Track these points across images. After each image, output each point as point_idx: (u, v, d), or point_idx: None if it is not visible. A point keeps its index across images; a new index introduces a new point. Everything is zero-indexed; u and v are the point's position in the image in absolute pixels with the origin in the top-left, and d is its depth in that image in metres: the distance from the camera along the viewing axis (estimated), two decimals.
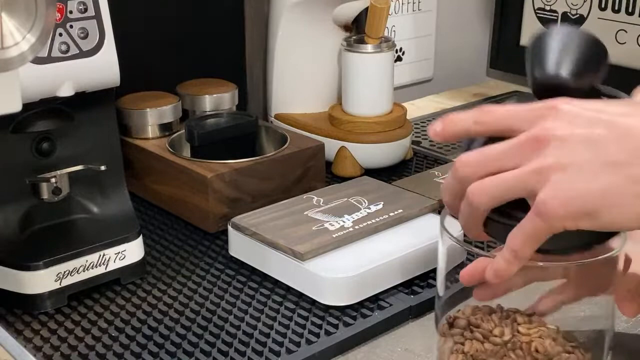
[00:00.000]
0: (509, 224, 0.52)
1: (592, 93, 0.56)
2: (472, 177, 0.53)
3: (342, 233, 0.78)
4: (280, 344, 0.69)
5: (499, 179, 0.51)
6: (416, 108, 1.35)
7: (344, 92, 1.07)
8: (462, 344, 0.58)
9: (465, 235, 0.58)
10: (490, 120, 0.54)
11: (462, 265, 0.61)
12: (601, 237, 0.53)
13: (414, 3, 1.38)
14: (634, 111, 0.51)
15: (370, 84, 1.05)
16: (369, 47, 1.03)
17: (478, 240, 0.57)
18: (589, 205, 0.49)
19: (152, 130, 0.97)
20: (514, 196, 0.51)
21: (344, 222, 0.81)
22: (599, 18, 1.35)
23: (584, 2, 1.36)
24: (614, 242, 0.56)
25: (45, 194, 0.77)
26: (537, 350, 0.57)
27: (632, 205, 0.49)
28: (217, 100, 1.02)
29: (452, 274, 0.61)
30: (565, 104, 0.52)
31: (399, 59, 1.39)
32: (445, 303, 0.61)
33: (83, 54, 0.73)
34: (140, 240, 0.79)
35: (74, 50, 0.73)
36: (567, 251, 0.54)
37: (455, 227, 0.58)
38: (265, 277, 0.79)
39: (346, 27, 1.09)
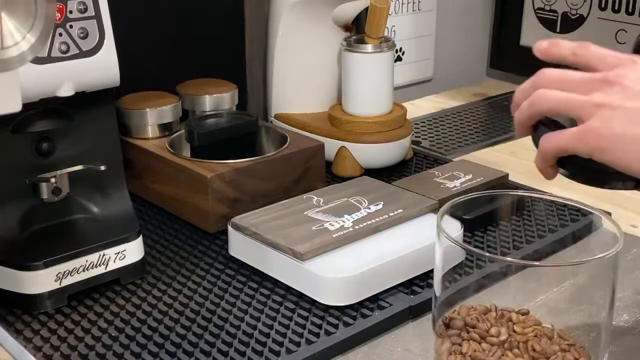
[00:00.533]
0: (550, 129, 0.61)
1: None
2: (546, 87, 0.61)
3: (342, 233, 0.78)
4: (280, 344, 0.69)
5: (565, 95, 0.60)
6: (416, 108, 1.35)
7: (344, 92, 1.07)
8: (460, 344, 0.58)
9: (464, 237, 0.58)
10: (585, 54, 0.63)
11: (460, 266, 0.62)
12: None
13: (414, 3, 1.38)
14: None
15: (370, 84, 1.05)
16: (369, 47, 1.04)
17: (522, 134, 0.65)
18: (616, 148, 0.57)
19: (152, 130, 0.97)
20: (569, 114, 0.60)
21: (344, 222, 0.81)
22: (599, 18, 1.35)
23: (584, 2, 1.36)
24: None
25: (45, 194, 0.77)
26: (534, 349, 0.57)
27: None
28: (217, 100, 1.02)
29: (450, 274, 0.61)
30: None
31: (399, 59, 1.39)
32: (443, 304, 0.61)
33: (83, 54, 0.73)
34: (140, 240, 0.79)
35: (74, 50, 0.73)
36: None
37: (452, 227, 0.58)
38: (265, 277, 0.79)
39: (346, 27, 1.09)
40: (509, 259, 0.58)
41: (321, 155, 0.96)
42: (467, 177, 0.95)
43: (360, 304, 0.74)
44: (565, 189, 0.80)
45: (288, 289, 0.77)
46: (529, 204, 0.93)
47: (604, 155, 0.57)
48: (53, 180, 0.77)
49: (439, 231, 0.59)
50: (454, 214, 0.63)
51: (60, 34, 0.72)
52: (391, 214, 0.82)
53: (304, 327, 0.71)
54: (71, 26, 0.72)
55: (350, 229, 0.79)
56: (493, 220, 0.90)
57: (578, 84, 0.60)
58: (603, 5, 1.34)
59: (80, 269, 0.75)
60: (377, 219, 0.81)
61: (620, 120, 0.57)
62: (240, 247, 0.81)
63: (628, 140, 0.56)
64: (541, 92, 0.61)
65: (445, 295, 0.61)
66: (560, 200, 0.69)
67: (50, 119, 0.76)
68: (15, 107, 0.59)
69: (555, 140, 0.60)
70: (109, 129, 0.81)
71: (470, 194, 0.66)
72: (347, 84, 1.06)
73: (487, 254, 0.59)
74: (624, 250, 0.69)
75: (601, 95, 0.58)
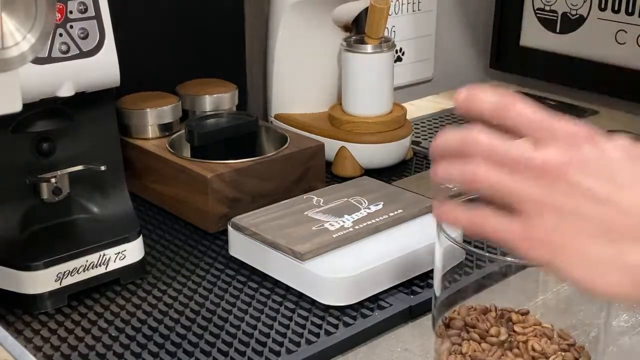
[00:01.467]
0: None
1: None
2: (478, 153, 0.51)
3: (342, 233, 0.78)
4: (280, 344, 0.69)
5: (500, 182, 0.50)
6: (416, 108, 1.35)
7: (344, 92, 1.07)
8: (460, 344, 0.58)
9: (464, 236, 0.58)
10: (509, 118, 0.51)
11: (460, 266, 0.62)
12: None
13: (414, 3, 1.38)
14: None
15: (370, 84, 1.05)
16: (369, 48, 1.04)
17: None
18: (556, 259, 0.48)
19: (152, 130, 0.97)
20: (504, 200, 0.50)
21: (344, 222, 0.81)
22: (598, 18, 1.34)
23: (584, 2, 1.36)
24: None
25: (45, 194, 0.77)
26: (533, 349, 0.57)
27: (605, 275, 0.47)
28: (217, 100, 1.02)
29: (450, 274, 0.61)
30: (593, 146, 0.49)
31: (399, 59, 1.39)
32: (443, 304, 0.61)
33: (83, 54, 0.73)
34: (140, 240, 0.79)
35: (74, 51, 0.73)
36: None
37: (453, 228, 0.58)
38: (265, 277, 0.79)
39: (346, 27, 1.09)
40: (509, 258, 0.58)
41: (321, 156, 0.96)
42: None
43: (360, 304, 0.74)
44: None
45: (288, 289, 0.77)
46: None
47: (558, 270, 0.48)
48: (53, 180, 0.77)
49: (439, 231, 0.59)
50: None
51: (61, 34, 0.72)
52: (391, 214, 0.82)
53: (304, 327, 0.71)
54: (71, 26, 0.72)
55: (350, 229, 0.79)
56: None
57: (513, 165, 0.49)
58: (603, 6, 1.34)
59: (81, 269, 0.75)
60: (377, 219, 0.81)
61: (576, 229, 0.47)
62: (240, 247, 0.81)
63: (589, 259, 0.47)
64: (473, 172, 0.50)
65: (445, 295, 0.61)
66: None
67: (51, 119, 0.76)
68: (16, 107, 0.59)
69: (491, 227, 0.51)
70: (109, 129, 0.81)
71: (470, 194, 0.66)
72: (347, 85, 1.06)
73: (487, 254, 0.59)
74: None
75: (545, 192, 0.48)
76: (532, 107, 0.51)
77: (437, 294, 0.61)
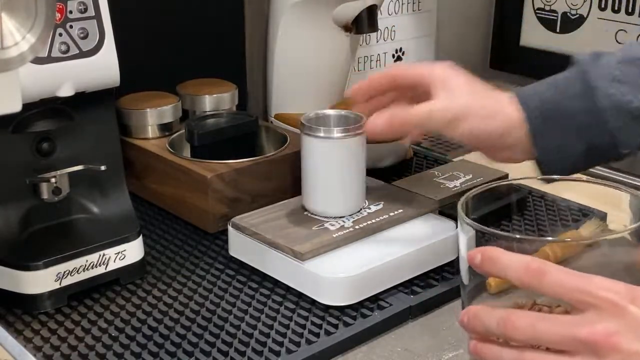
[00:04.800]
0: None
1: None
2: (519, 341, 0.50)
3: (342, 233, 0.78)
4: (280, 344, 0.69)
5: None
6: None
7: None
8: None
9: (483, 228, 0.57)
10: (547, 286, 0.50)
11: None
12: None
13: (414, 3, 1.38)
14: None
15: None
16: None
17: None
18: None
19: (152, 130, 0.97)
20: None
21: (344, 222, 0.81)
22: (598, 18, 1.35)
23: (584, 2, 1.36)
24: None
25: (45, 194, 0.77)
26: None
27: None
28: (217, 100, 1.02)
29: None
30: (632, 306, 0.48)
31: (399, 59, 1.39)
32: (471, 291, 0.60)
33: (83, 54, 0.73)
34: (140, 240, 0.79)
35: (74, 51, 0.73)
36: None
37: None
38: (265, 277, 0.79)
39: (346, 27, 1.09)
40: (541, 238, 0.56)
41: None
42: (467, 177, 0.95)
43: (360, 304, 0.74)
44: (566, 190, 0.80)
45: (288, 289, 0.77)
46: (529, 203, 0.93)
47: None
48: (53, 180, 0.77)
49: (461, 221, 0.59)
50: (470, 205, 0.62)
51: (60, 34, 0.72)
52: (391, 214, 0.82)
53: (304, 327, 0.71)
54: (71, 26, 0.72)
55: (350, 229, 0.79)
56: (492, 220, 0.90)
57: (559, 344, 0.48)
58: (603, 5, 1.34)
59: (80, 269, 0.75)
60: (377, 219, 0.81)
61: None
62: (240, 247, 0.81)
63: None
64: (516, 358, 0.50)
65: (474, 282, 0.60)
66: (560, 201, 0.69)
67: (50, 119, 0.76)
68: (16, 107, 0.59)
69: None
70: (109, 129, 0.81)
71: (492, 183, 0.65)
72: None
73: (517, 236, 0.57)
74: None
75: None
76: (563, 272, 0.49)
77: (465, 282, 0.60)
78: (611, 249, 0.55)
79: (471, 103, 0.73)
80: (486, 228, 0.57)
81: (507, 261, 0.51)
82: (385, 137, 0.76)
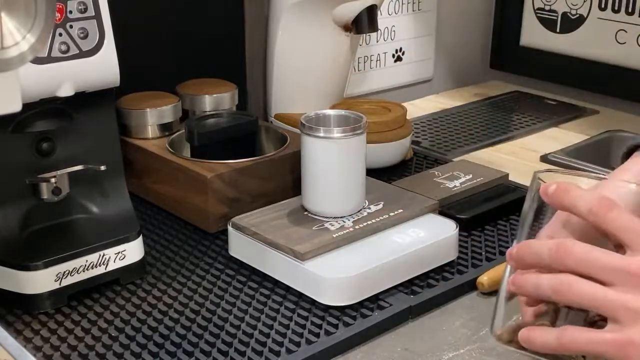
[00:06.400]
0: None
1: None
2: (568, 267, 0.52)
3: (342, 233, 0.78)
4: (280, 344, 0.69)
5: (595, 292, 0.50)
6: (416, 108, 1.35)
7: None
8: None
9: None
10: (609, 222, 0.52)
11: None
12: None
13: (414, 3, 1.38)
14: None
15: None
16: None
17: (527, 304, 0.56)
18: None
19: (152, 130, 0.97)
20: (600, 313, 0.51)
21: (344, 222, 0.81)
22: (598, 18, 1.35)
23: (584, 2, 1.36)
24: None
25: (45, 194, 0.77)
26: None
27: None
28: (217, 100, 1.02)
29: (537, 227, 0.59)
30: None
31: (399, 59, 1.39)
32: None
33: (83, 54, 0.73)
34: (140, 240, 0.79)
35: (74, 50, 0.73)
36: None
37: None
38: (265, 277, 0.79)
39: (346, 27, 1.09)
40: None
41: None
42: (467, 177, 0.95)
43: (360, 304, 0.74)
44: None
45: (288, 289, 0.77)
46: None
47: None
48: (53, 180, 0.77)
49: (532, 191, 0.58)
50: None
51: (60, 34, 0.72)
52: (391, 214, 0.82)
53: (304, 327, 0.71)
54: (71, 26, 0.72)
55: (350, 229, 0.79)
56: (490, 220, 0.90)
57: (608, 273, 0.50)
58: (603, 5, 1.34)
59: (80, 269, 0.75)
60: (377, 219, 0.81)
61: None
62: (240, 247, 0.81)
63: None
64: (568, 283, 0.51)
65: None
66: None
67: (50, 119, 0.76)
68: (15, 107, 0.59)
69: (583, 341, 0.51)
70: (109, 129, 0.81)
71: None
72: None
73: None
74: None
75: (637, 299, 0.49)
76: (626, 213, 0.51)
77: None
78: None
79: None
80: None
81: (580, 192, 0.53)
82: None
